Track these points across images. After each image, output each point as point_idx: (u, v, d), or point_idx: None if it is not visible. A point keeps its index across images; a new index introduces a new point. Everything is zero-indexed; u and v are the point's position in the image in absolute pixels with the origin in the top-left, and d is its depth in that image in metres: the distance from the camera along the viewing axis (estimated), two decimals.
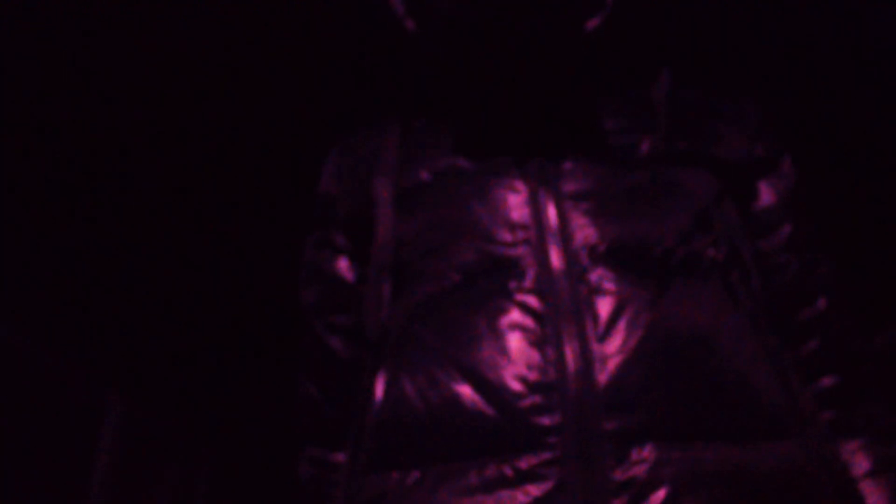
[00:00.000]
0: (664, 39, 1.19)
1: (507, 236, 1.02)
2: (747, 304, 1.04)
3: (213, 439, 3.45)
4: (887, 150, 1.55)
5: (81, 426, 3.19)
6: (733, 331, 1.00)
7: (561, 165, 1.05)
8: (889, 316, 1.20)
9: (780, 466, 0.95)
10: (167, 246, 2.05)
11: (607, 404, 0.93)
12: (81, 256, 2.12)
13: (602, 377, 0.94)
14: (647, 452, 0.91)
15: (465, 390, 0.96)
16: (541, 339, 0.96)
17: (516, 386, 0.94)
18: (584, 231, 1.01)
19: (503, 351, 0.96)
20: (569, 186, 1.04)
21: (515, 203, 1.04)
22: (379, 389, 1.01)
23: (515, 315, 0.98)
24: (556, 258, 1.00)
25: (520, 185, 1.05)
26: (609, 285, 0.98)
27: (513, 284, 1.00)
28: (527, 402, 0.94)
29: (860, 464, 1.02)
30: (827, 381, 1.06)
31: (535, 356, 0.96)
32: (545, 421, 0.93)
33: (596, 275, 0.99)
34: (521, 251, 1.01)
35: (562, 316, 0.97)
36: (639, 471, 0.90)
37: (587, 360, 0.95)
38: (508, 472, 0.92)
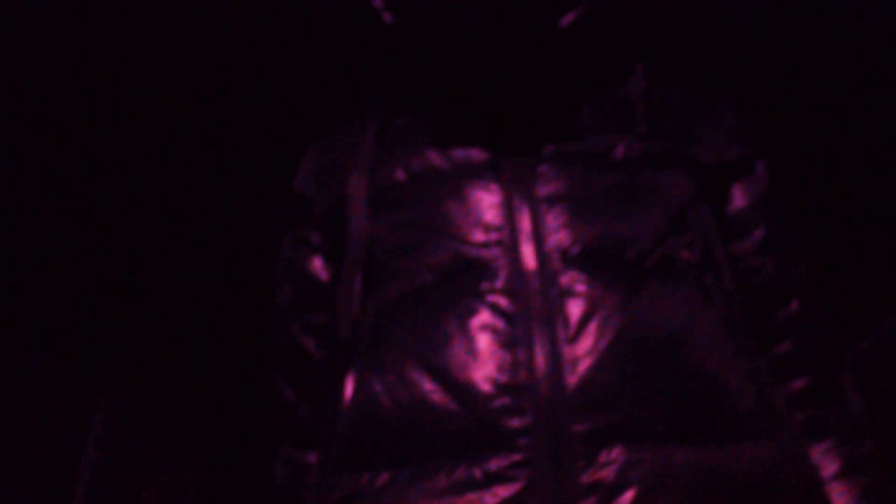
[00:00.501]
0: (641, 36, 1.18)
1: (480, 237, 1.02)
2: (720, 306, 1.04)
3: (201, 440, 3.45)
4: (862, 152, 1.55)
5: (69, 428, 3.20)
6: (706, 332, 1.00)
7: (536, 167, 1.05)
8: (863, 317, 1.21)
9: (750, 468, 0.95)
10: (151, 247, 2.04)
11: (577, 406, 0.93)
12: (67, 258, 2.12)
13: (572, 379, 0.94)
14: (616, 454, 0.91)
15: (435, 391, 0.96)
16: (511, 341, 0.96)
17: (486, 387, 0.95)
18: (558, 234, 1.01)
19: (473, 352, 0.96)
20: (543, 188, 1.04)
21: (489, 204, 1.04)
22: (349, 389, 1.01)
23: (486, 316, 0.98)
24: (528, 260, 1.00)
25: (494, 187, 1.05)
26: (581, 287, 0.98)
27: (484, 285, 1.00)
28: (497, 404, 0.94)
29: (830, 465, 1.03)
30: (799, 383, 1.06)
31: (505, 357, 0.96)
32: (515, 423, 0.93)
33: (568, 277, 0.99)
34: (493, 252, 1.01)
35: (533, 318, 0.97)
36: (608, 472, 0.91)
37: (557, 363, 0.95)
38: (477, 473, 0.92)
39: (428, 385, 0.97)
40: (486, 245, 1.02)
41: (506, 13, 1.04)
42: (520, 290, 0.99)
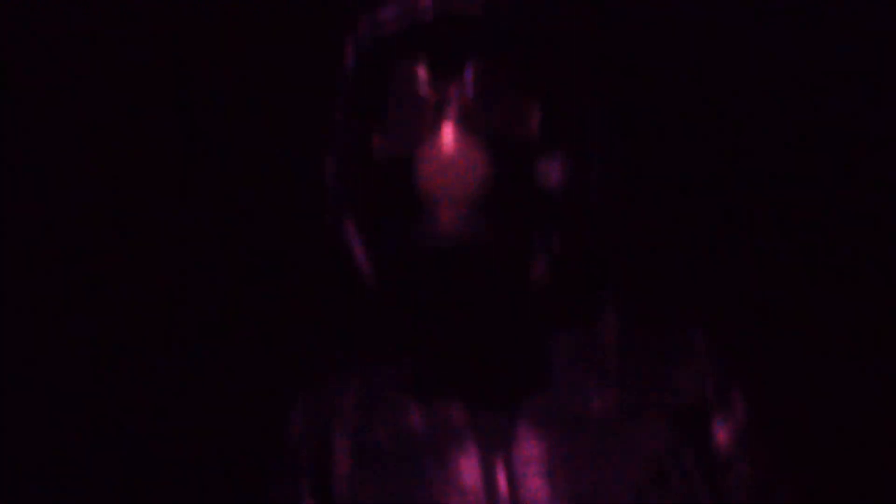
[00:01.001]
0: (613, 281, 1.21)
1: (457, 501, 1.04)
2: None
3: None
4: (836, 377, 1.56)
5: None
6: None
7: (514, 428, 1.07)
8: None
9: None
10: None
11: None
12: None
13: None
14: None
15: None
16: None
17: None
18: (535, 496, 1.03)
19: None
20: (521, 450, 1.06)
21: (467, 467, 1.06)
22: None
23: None
24: None
25: (472, 450, 1.07)
26: None
27: None
28: None
29: None
30: None
31: None
32: None
33: None
34: None
35: None
36: None
37: None
38: None
39: None
40: None
41: (480, 272, 1.07)
42: None
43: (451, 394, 1.11)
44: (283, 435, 1.22)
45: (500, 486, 1.04)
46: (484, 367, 1.11)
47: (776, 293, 1.57)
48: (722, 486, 1.10)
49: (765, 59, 1.57)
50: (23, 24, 1.66)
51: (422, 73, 1.10)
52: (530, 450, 1.06)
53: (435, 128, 1.07)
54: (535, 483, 1.03)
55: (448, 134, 1.06)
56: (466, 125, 1.07)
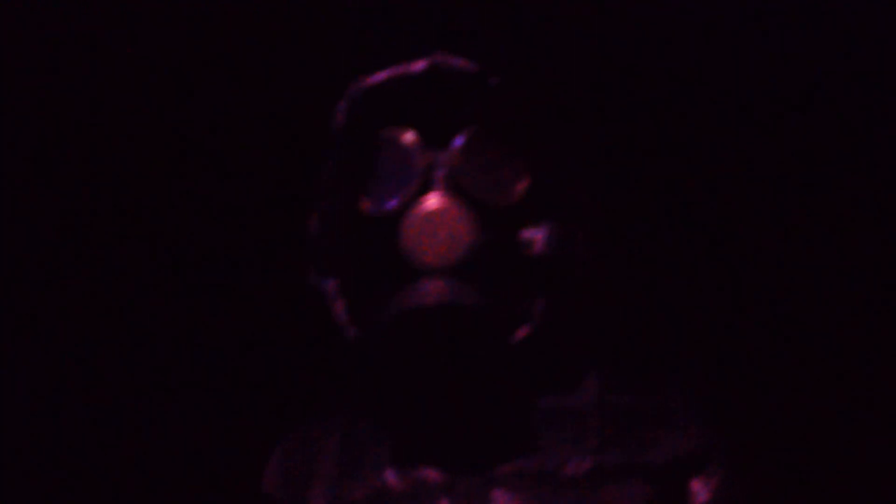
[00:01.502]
0: (594, 347, 1.22)
1: None
2: None
3: None
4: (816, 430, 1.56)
5: None
6: None
7: (490, 491, 1.07)
8: None
9: None
10: None
11: None
12: None
13: None
14: None
15: None
16: None
17: None
18: None
19: None
20: None
21: None
22: None
23: None
24: None
25: None
26: None
27: None
28: None
29: None
30: None
31: None
32: None
33: None
34: None
35: None
36: None
37: None
38: None
39: None
40: None
41: (462, 336, 1.07)
42: None
43: (428, 455, 1.11)
44: (259, 485, 1.21)
45: None
46: (462, 429, 1.11)
47: (757, 357, 1.58)
48: None
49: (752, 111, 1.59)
50: (23, 24, 1.66)
51: (411, 137, 1.11)
52: None
53: (422, 192, 1.09)
54: None
55: (435, 199, 1.07)
56: (453, 191, 1.09)
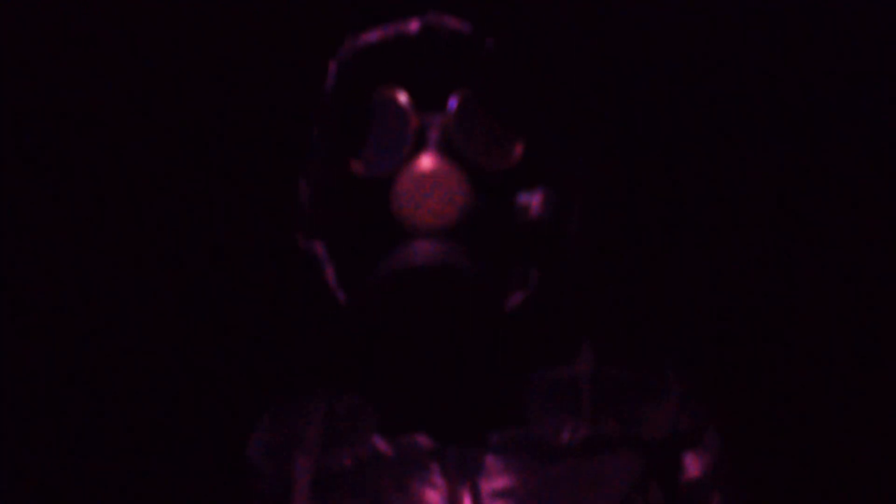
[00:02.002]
0: (589, 316, 1.20)
1: None
2: None
3: None
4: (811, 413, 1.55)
5: None
6: None
7: (481, 458, 1.05)
8: None
9: None
10: None
11: None
12: None
13: None
14: None
15: None
16: None
17: None
18: None
19: None
20: (488, 483, 1.03)
21: (432, 497, 1.03)
22: None
23: None
24: None
25: (438, 480, 1.04)
26: None
27: None
28: None
29: None
30: None
31: None
32: None
33: None
34: None
35: None
36: None
37: None
38: None
39: None
40: None
41: (455, 300, 1.04)
42: None
43: (418, 423, 1.08)
44: (243, 458, 1.19)
45: None
46: (453, 396, 1.09)
47: (753, 334, 1.57)
48: None
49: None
50: (22, 24, 1.63)
51: (404, 98, 1.08)
52: (498, 481, 1.03)
53: (415, 154, 1.06)
54: None
55: (428, 159, 1.04)
56: (447, 153, 1.06)
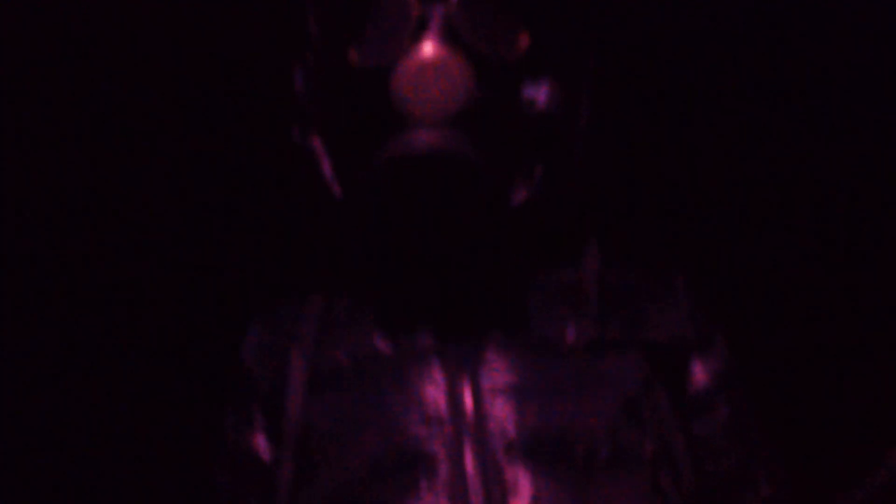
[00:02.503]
0: (595, 216, 1.16)
1: (421, 431, 0.97)
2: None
3: None
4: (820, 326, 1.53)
5: None
6: None
7: (482, 354, 1.01)
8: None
9: None
10: None
11: None
12: None
13: None
14: None
15: None
16: None
17: None
18: (503, 427, 0.96)
19: None
20: (489, 379, 1.00)
21: (432, 395, 0.99)
22: None
23: None
24: (470, 456, 0.95)
25: (438, 376, 1.00)
26: (525, 484, 0.93)
27: (423, 483, 0.94)
28: None
29: None
30: None
31: None
32: None
33: (512, 473, 0.94)
34: (434, 447, 0.96)
35: None
36: None
37: None
38: None
39: None
40: (427, 439, 0.97)
41: (457, 191, 0.99)
42: (461, 488, 0.94)
43: (417, 318, 1.05)
44: (238, 357, 1.15)
45: (465, 412, 0.97)
46: (454, 292, 1.05)
47: (763, 245, 1.53)
48: (701, 432, 1.06)
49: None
50: (21, 24, 1.60)
51: None
52: (499, 377, 1.00)
53: (416, 41, 1.01)
54: (502, 410, 0.97)
55: (430, 48, 0.99)
56: (450, 40, 1.01)
